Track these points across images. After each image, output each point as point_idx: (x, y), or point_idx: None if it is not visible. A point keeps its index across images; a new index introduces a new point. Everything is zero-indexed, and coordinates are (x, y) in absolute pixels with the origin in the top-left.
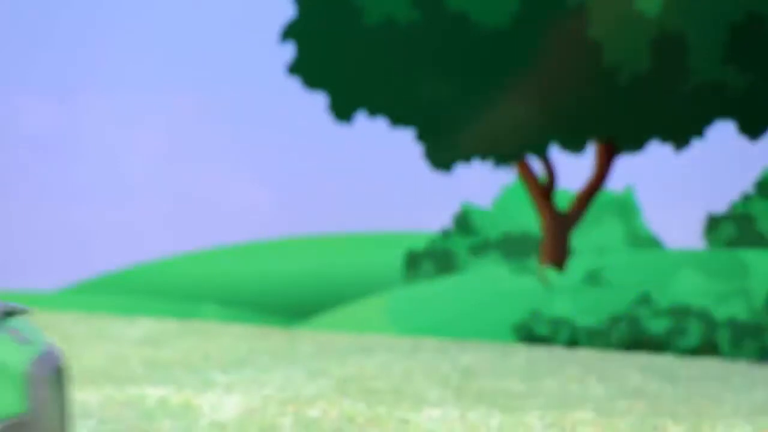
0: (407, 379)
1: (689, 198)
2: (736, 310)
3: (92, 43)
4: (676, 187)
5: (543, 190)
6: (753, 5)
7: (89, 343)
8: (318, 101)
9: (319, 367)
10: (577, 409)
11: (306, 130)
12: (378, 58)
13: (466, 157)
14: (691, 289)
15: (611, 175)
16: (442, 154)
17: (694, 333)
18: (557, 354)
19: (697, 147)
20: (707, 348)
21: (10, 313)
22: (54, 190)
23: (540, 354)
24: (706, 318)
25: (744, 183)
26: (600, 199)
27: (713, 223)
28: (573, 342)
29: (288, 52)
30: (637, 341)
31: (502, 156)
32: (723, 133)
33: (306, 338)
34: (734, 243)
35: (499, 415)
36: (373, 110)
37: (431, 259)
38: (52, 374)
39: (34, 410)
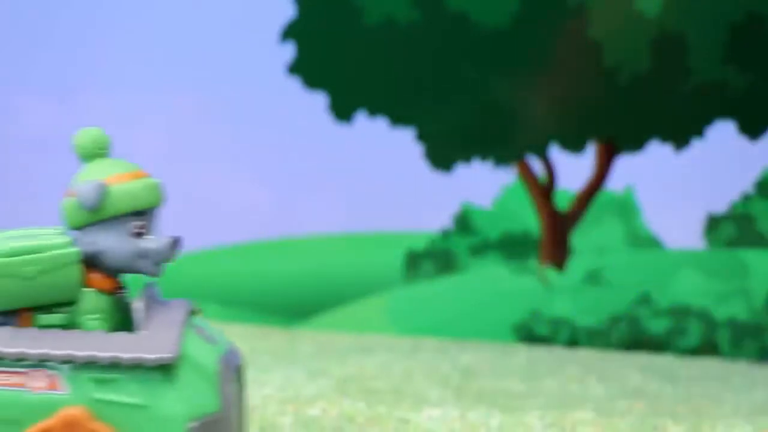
0: (407, 379)
1: (689, 198)
2: (736, 310)
3: (92, 43)
4: (676, 187)
5: (543, 190)
6: (753, 5)
7: None
8: (318, 101)
9: (319, 367)
10: (577, 409)
11: (306, 130)
12: (378, 58)
13: (466, 157)
14: (691, 289)
15: (611, 175)
16: (442, 154)
17: (694, 333)
18: (557, 354)
19: (697, 147)
20: (707, 348)
21: (192, 313)
22: (54, 190)
23: (540, 354)
24: (706, 318)
25: (744, 183)
26: (600, 199)
27: (713, 223)
28: (573, 342)
29: (288, 52)
30: (637, 341)
31: (502, 156)
32: (723, 133)
33: (306, 338)
34: (734, 243)
35: (499, 414)
36: (373, 110)
37: (431, 259)
38: (236, 373)
39: (224, 408)
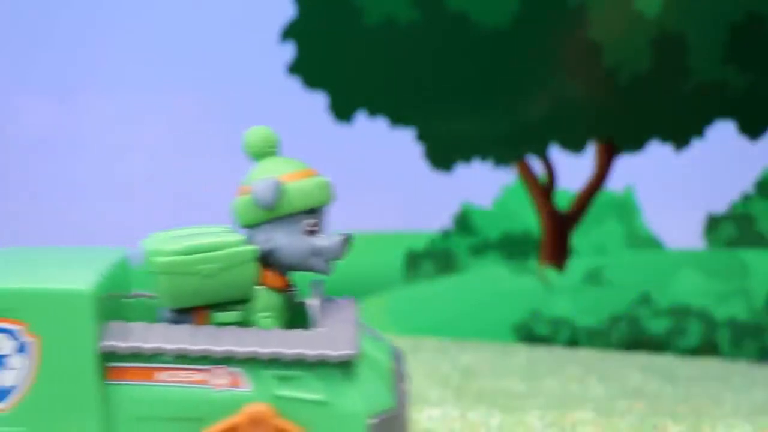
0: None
1: (689, 198)
2: (736, 310)
3: (92, 43)
4: (676, 187)
5: (543, 190)
6: (753, 5)
7: None
8: (318, 101)
9: None
10: (577, 409)
11: (306, 130)
12: (378, 58)
13: (466, 157)
14: (691, 289)
15: (611, 175)
16: (442, 154)
17: (694, 333)
18: (557, 354)
19: (697, 147)
20: (707, 348)
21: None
22: (54, 190)
23: (540, 354)
24: (706, 318)
25: (744, 183)
26: (600, 199)
27: (713, 223)
28: (573, 342)
29: (288, 52)
30: (637, 341)
31: (502, 156)
32: (723, 133)
33: None
34: (734, 243)
35: (499, 414)
36: (373, 110)
37: (431, 259)
38: (403, 369)
39: (398, 405)
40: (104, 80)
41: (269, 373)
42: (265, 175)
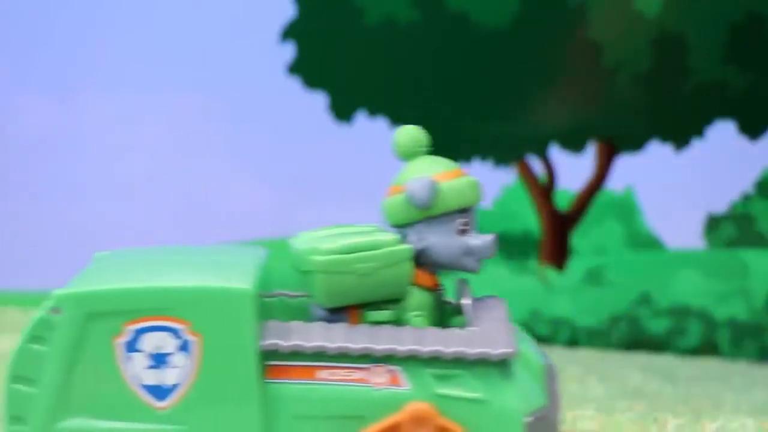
0: None
1: (689, 198)
2: (736, 310)
3: (92, 43)
4: (676, 187)
5: (543, 190)
6: (753, 5)
7: None
8: (318, 101)
9: None
10: (577, 409)
11: (306, 130)
12: (378, 58)
13: (466, 157)
14: (691, 289)
15: (611, 175)
16: (442, 154)
17: (694, 333)
18: (557, 354)
19: (697, 147)
20: (707, 348)
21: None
22: (54, 190)
23: None
24: (706, 318)
25: (744, 183)
26: (600, 199)
27: (713, 223)
28: (573, 342)
29: (288, 52)
30: (637, 341)
31: (502, 156)
32: (723, 133)
33: None
34: (734, 243)
35: None
36: (373, 110)
37: None
38: (554, 368)
39: (550, 403)
40: (104, 80)
41: (428, 371)
42: (418, 175)
